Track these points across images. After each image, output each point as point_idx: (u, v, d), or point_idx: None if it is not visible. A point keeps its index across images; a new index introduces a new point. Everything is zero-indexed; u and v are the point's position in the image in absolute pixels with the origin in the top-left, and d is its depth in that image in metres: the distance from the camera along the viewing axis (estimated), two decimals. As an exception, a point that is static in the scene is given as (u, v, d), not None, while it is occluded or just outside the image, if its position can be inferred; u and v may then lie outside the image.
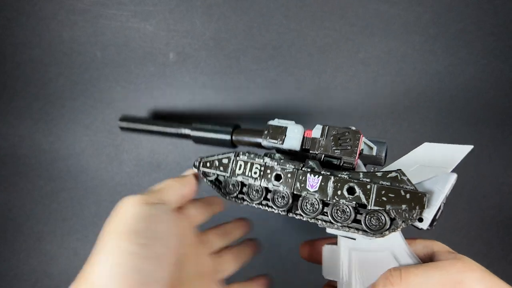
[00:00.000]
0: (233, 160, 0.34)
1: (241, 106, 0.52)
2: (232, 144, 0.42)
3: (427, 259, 0.30)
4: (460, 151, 0.29)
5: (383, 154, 0.32)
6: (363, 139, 0.31)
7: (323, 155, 0.32)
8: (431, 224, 0.28)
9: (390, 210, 0.27)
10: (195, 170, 0.36)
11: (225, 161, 0.34)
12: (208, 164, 0.35)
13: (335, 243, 0.32)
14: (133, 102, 0.53)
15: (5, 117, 0.55)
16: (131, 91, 0.53)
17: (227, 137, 0.42)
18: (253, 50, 0.50)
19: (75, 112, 0.54)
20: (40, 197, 0.56)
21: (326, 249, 0.33)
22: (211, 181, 0.36)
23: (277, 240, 0.54)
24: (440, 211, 0.28)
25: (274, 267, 0.54)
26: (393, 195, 0.27)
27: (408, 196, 0.27)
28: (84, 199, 0.56)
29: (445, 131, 0.49)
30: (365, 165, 0.33)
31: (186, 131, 0.46)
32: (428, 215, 0.27)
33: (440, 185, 0.28)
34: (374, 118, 0.50)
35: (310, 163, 0.31)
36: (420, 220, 0.28)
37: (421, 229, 0.29)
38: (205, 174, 0.36)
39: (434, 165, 0.29)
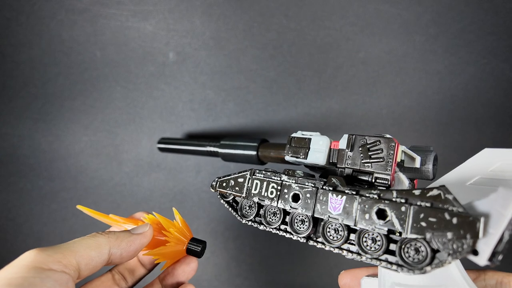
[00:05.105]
0: (249, 179, 0.30)
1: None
2: (259, 161, 0.39)
3: None
4: None
5: (430, 166, 0.26)
6: (401, 148, 0.26)
7: (351, 170, 0.27)
8: (490, 259, 0.20)
9: (432, 239, 0.21)
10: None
11: (240, 180, 0.31)
12: (224, 184, 0.32)
13: (377, 275, 0.27)
14: (133, 102, 0.53)
15: (4, 117, 0.55)
16: (131, 90, 0.53)
17: (253, 152, 0.38)
18: (253, 50, 0.50)
19: (74, 112, 0.54)
20: (39, 197, 0.56)
21: (365, 283, 0.27)
22: (227, 202, 0.32)
23: (276, 243, 0.54)
24: (505, 241, 0.20)
25: (274, 268, 0.54)
26: (434, 220, 0.21)
27: (455, 220, 0.20)
28: (83, 199, 0.56)
29: (445, 130, 0.49)
30: (412, 180, 0.27)
31: (215, 149, 0.44)
32: (486, 246, 0.20)
33: (501, 205, 0.20)
34: (374, 118, 0.50)
35: (333, 180, 0.26)
36: (475, 252, 0.20)
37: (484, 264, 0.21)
38: (222, 195, 0.33)
39: (499, 177, 0.22)
